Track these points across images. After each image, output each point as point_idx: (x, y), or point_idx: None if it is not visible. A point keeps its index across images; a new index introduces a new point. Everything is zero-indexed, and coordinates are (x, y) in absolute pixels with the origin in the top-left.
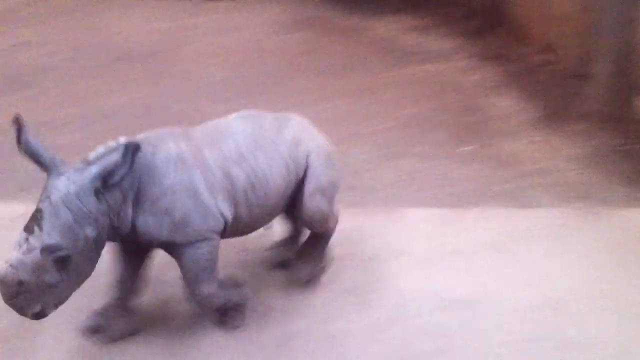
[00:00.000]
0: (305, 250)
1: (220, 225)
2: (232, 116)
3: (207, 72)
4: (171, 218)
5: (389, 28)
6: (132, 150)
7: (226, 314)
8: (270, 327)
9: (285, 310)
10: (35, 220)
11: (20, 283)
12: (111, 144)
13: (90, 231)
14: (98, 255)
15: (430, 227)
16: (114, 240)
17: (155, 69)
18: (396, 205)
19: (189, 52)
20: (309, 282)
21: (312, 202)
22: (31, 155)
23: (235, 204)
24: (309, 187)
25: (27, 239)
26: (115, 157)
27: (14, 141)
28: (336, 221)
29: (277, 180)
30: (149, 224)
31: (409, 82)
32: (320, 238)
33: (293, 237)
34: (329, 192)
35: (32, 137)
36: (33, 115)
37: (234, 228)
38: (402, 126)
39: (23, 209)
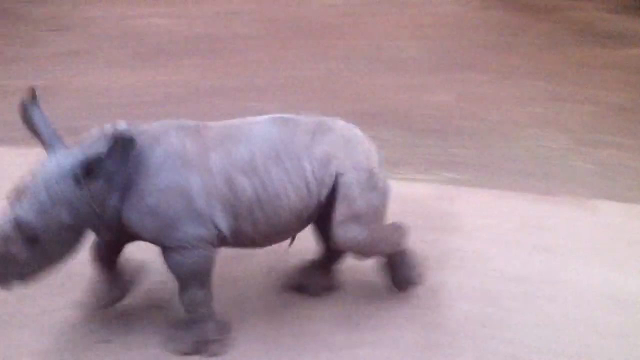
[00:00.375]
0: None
1: (212, 236)
2: (264, 117)
3: (398, 47)
4: (156, 219)
5: (590, 8)
6: (122, 144)
7: (206, 340)
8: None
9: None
10: (21, 192)
11: None
12: (107, 128)
13: (65, 217)
14: (75, 242)
15: (623, 222)
16: (102, 232)
17: (344, 44)
18: (587, 196)
19: (379, 26)
20: (403, 288)
21: (343, 230)
22: (31, 129)
23: (236, 216)
24: (340, 212)
25: (12, 207)
26: (101, 148)
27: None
28: (397, 240)
29: (292, 199)
30: (132, 219)
31: (608, 66)
32: (392, 257)
33: (323, 262)
34: (368, 219)
35: (39, 112)
36: (224, 79)
37: (237, 241)
38: (599, 113)
39: None
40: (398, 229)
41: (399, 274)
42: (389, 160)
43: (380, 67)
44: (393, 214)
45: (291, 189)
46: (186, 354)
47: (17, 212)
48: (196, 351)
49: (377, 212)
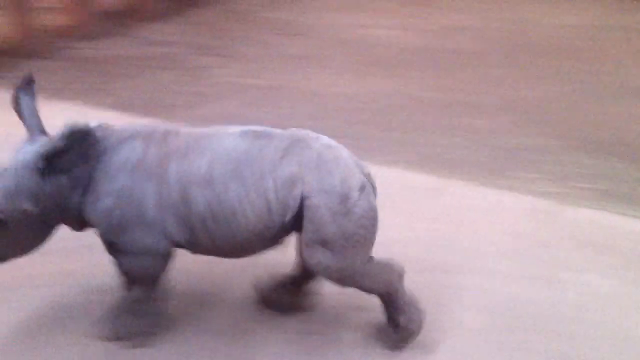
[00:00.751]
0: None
1: (162, 246)
2: (238, 129)
3: (629, 74)
4: (109, 221)
5: None
6: (76, 136)
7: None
8: None
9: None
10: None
11: None
12: (71, 124)
13: (29, 206)
14: (44, 232)
15: None
16: (71, 225)
17: (575, 66)
18: None
19: (616, 50)
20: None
21: (310, 253)
22: (18, 114)
23: (191, 229)
24: (307, 235)
25: None
26: (59, 141)
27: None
28: (386, 279)
29: (249, 217)
30: (91, 217)
31: None
32: (382, 299)
33: (296, 279)
34: (339, 246)
35: (28, 98)
36: (446, 93)
37: (198, 250)
38: None
39: None
40: (389, 268)
41: (390, 317)
42: (617, 194)
43: (615, 93)
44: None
45: (249, 208)
46: (110, 340)
47: None
48: (120, 339)
49: (351, 239)
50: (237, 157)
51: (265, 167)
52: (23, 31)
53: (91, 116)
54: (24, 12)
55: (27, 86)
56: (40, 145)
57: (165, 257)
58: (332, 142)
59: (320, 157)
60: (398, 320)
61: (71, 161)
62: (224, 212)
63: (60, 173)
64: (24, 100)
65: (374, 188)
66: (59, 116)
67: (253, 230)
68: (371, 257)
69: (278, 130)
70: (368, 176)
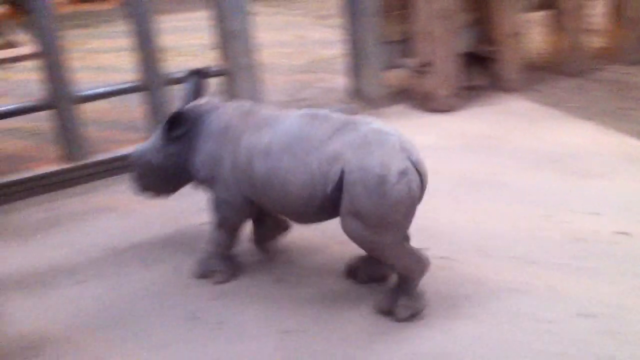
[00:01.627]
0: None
1: (238, 200)
2: (299, 111)
3: None
4: (201, 174)
5: None
6: (174, 119)
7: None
8: None
9: None
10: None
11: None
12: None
13: (155, 160)
14: (171, 183)
15: None
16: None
17: None
18: None
19: None
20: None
21: (345, 222)
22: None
23: (255, 189)
24: (344, 205)
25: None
26: (164, 123)
27: None
28: (409, 265)
29: (297, 186)
30: (192, 171)
31: None
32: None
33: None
34: (372, 222)
35: (195, 81)
36: None
37: (269, 208)
38: None
39: None
40: (417, 258)
41: (394, 291)
42: None
43: None
44: None
45: (297, 178)
46: (196, 277)
47: (139, 147)
48: (204, 277)
49: (384, 219)
50: (291, 134)
51: (314, 144)
52: (563, 50)
53: (609, 141)
54: (566, 33)
55: (200, 73)
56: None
57: (241, 210)
58: (384, 127)
59: (365, 139)
60: (397, 299)
61: (176, 134)
62: (277, 179)
63: (171, 141)
64: (192, 80)
65: (421, 175)
66: (577, 132)
67: (300, 197)
68: (405, 238)
69: (336, 114)
70: (417, 163)
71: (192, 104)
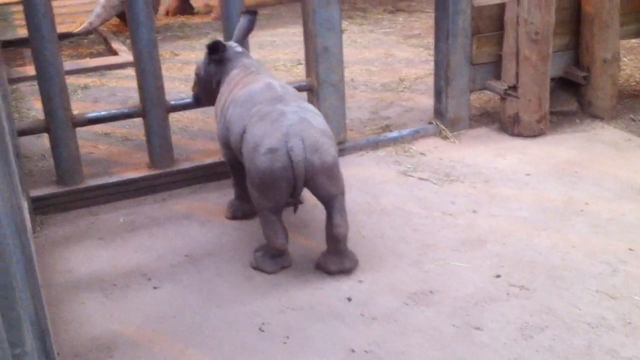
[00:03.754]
0: None
1: (220, 136)
2: (267, 79)
3: None
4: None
5: None
6: (214, 46)
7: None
8: None
9: None
10: None
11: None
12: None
13: (201, 73)
14: (212, 96)
15: None
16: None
17: None
18: None
19: None
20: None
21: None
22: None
23: (226, 133)
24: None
25: None
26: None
27: None
28: (268, 235)
29: (234, 133)
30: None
31: None
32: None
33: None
34: (247, 177)
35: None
36: None
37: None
38: None
39: None
40: (272, 233)
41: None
42: None
43: None
44: None
45: (235, 125)
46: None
47: (199, 59)
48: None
49: (250, 180)
50: (250, 94)
51: (250, 105)
52: None
53: None
54: None
55: (250, 14)
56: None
57: (223, 146)
58: (303, 113)
59: (270, 114)
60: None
61: (212, 58)
62: (231, 124)
63: (211, 62)
64: (247, 19)
65: (293, 161)
66: None
67: (235, 142)
68: (276, 212)
69: (287, 89)
70: (291, 149)
71: (234, 43)
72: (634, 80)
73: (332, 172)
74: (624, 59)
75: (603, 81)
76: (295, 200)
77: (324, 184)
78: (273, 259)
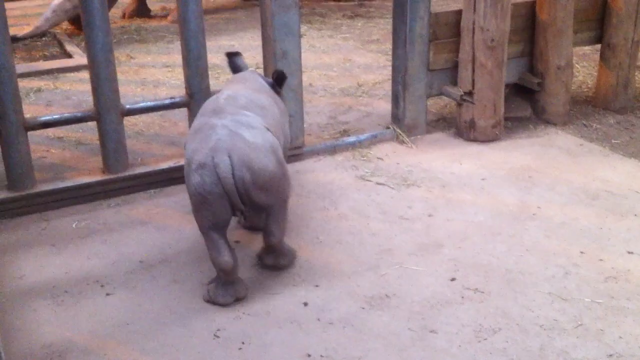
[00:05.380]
0: None
1: None
2: (228, 89)
3: None
4: None
5: None
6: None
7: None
8: None
9: None
10: None
11: None
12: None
13: None
14: None
15: None
16: None
17: None
18: None
19: None
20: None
21: None
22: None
23: None
24: None
25: None
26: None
27: None
28: (210, 253)
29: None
30: None
31: None
32: None
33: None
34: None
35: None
36: None
37: None
38: None
39: None
40: (213, 252)
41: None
42: None
43: None
44: None
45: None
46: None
47: None
48: None
49: (191, 197)
50: (207, 103)
51: (200, 114)
52: (611, 85)
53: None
54: (615, 68)
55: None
56: None
57: None
58: (235, 126)
59: (203, 127)
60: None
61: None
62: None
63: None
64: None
65: (219, 177)
66: (619, 170)
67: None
68: (211, 228)
69: (228, 107)
70: (216, 165)
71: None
72: (587, 86)
73: (268, 185)
74: (577, 65)
75: (556, 87)
76: (244, 216)
77: (261, 198)
78: (226, 288)
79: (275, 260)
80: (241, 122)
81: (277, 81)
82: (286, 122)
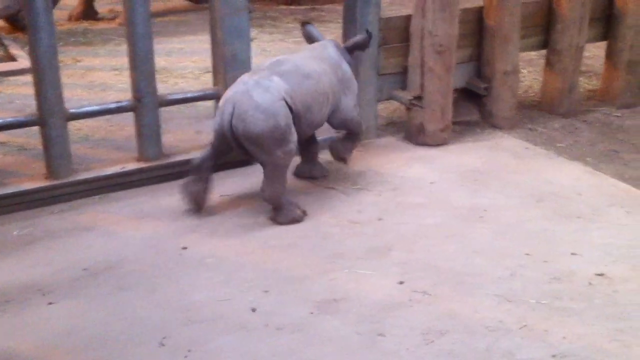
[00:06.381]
0: None
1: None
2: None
3: None
4: None
5: None
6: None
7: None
8: None
9: None
10: None
11: None
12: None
13: None
14: None
15: None
16: None
17: None
18: None
19: None
20: None
21: None
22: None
23: None
24: None
25: None
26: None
27: None
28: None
29: None
30: None
31: None
32: None
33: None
34: None
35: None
36: None
37: None
38: None
39: None
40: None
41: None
42: None
43: None
44: None
45: None
46: None
47: None
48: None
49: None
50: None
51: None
52: (556, 90)
53: (594, 182)
54: (560, 73)
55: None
56: None
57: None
58: (253, 85)
59: (239, 80)
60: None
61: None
62: None
63: None
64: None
65: (222, 119)
66: (564, 172)
67: None
68: (212, 149)
69: (272, 66)
70: (226, 112)
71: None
72: (533, 91)
73: (258, 142)
74: (524, 70)
75: (503, 92)
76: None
77: (253, 151)
78: (188, 182)
79: (273, 215)
80: (260, 84)
81: (356, 46)
82: (347, 90)
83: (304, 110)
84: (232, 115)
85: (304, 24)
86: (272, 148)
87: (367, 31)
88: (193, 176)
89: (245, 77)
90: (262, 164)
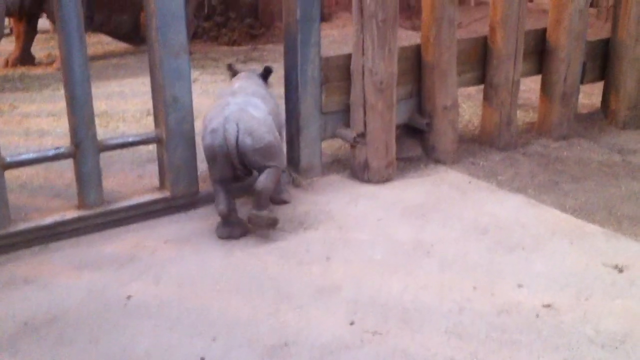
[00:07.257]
0: None
1: None
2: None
3: None
4: None
5: None
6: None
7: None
8: None
9: None
10: None
11: None
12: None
13: None
14: None
15: None
16: None
17: None
18: None
19: None
20: None
21: None
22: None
23: None
24: None
25: None
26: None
27: None
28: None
29: None
30: None
31: None
32: None
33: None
34: None
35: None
36: None
37: None
38: None
39: None
40: (216, 200)
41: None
42: None
43: None
44: None
45: None
46: None
47: None
48: None
49: (205, 152)
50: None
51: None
52: (495, 124)
53: (535, 213)
54: (498, 107)
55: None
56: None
57: None
58: (245, 105)
59: (220, 104)
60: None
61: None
62: None
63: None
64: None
65: (227, 141)
66: (505, 204)
67: None
68: (223, 183)
69: (240, 90)
70: (225, 130)
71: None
72: (473, 125)
73: (264, 151)
74: (463, 105)
75: (444, 127)
76: (243, 175)
77: (258, 161)
78: (224, 227)
79: (255, 209)
80: (249, 103)
81: (264, 75)
82: (279, 110)
83: (278, 127)
84: (237, 131)
85: (229, 66)
86: (276, 154)
87: (267, 67)
88: (228, 221)
89: (229, 99)
90: (260, 170)
